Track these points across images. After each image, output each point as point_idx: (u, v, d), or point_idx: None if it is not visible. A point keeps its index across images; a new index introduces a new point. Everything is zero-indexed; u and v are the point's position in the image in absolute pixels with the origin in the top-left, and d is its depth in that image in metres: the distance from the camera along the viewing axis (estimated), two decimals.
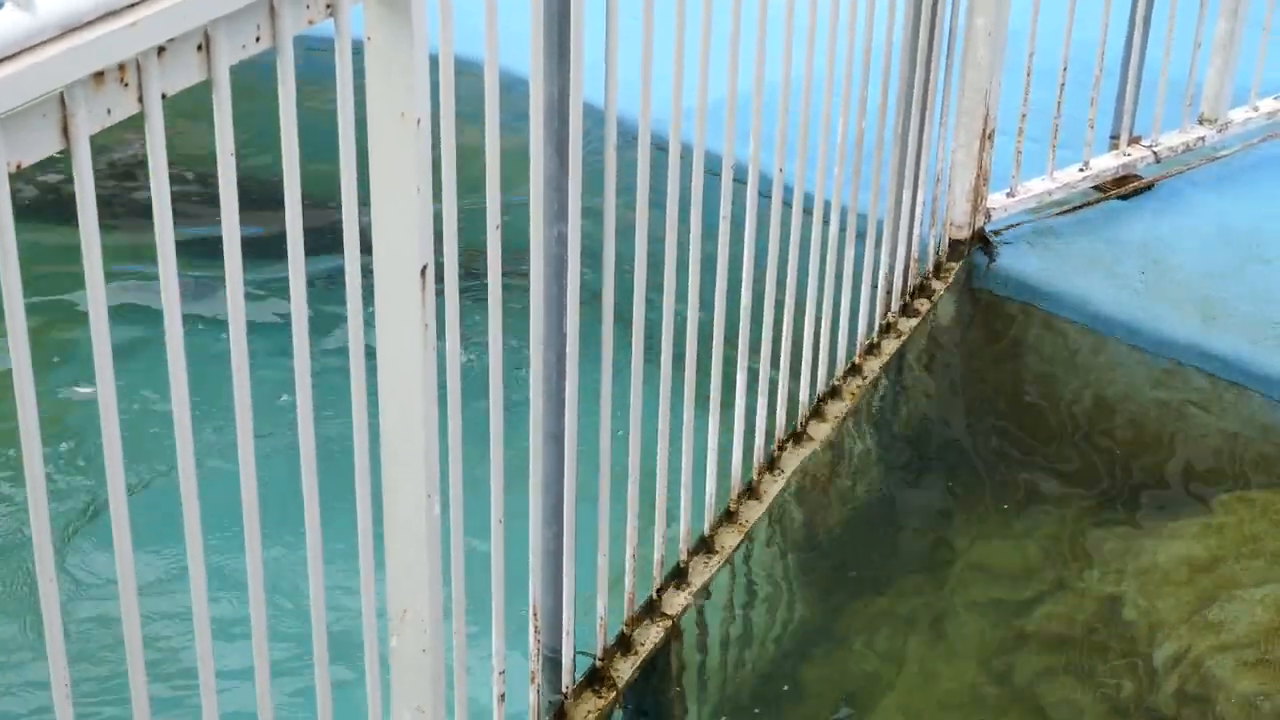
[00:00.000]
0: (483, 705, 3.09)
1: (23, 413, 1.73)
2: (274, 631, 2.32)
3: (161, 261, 1.84)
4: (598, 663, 3.23)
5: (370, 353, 2.31)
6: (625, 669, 3.27)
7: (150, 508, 3.51)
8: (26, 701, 3.61)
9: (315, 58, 2.79)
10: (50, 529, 1.79)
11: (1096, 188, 4.96)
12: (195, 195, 4.92)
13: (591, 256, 2.88)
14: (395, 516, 2.52)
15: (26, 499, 1.75)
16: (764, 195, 3.56)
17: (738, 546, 3.65)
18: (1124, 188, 4.98)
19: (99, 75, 1.68)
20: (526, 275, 2.73)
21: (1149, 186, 5.01)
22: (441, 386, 2.45)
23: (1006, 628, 3.67)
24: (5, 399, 1.76)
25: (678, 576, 3.51)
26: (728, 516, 3.69)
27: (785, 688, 3.53)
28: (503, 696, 2.90)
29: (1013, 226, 4.77)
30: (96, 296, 1.76)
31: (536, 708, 3.02)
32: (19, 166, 1.62)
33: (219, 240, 1.92)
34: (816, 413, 4.05)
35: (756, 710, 3.47)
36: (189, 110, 1.75)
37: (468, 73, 2.41)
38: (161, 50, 1.76)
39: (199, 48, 1.81)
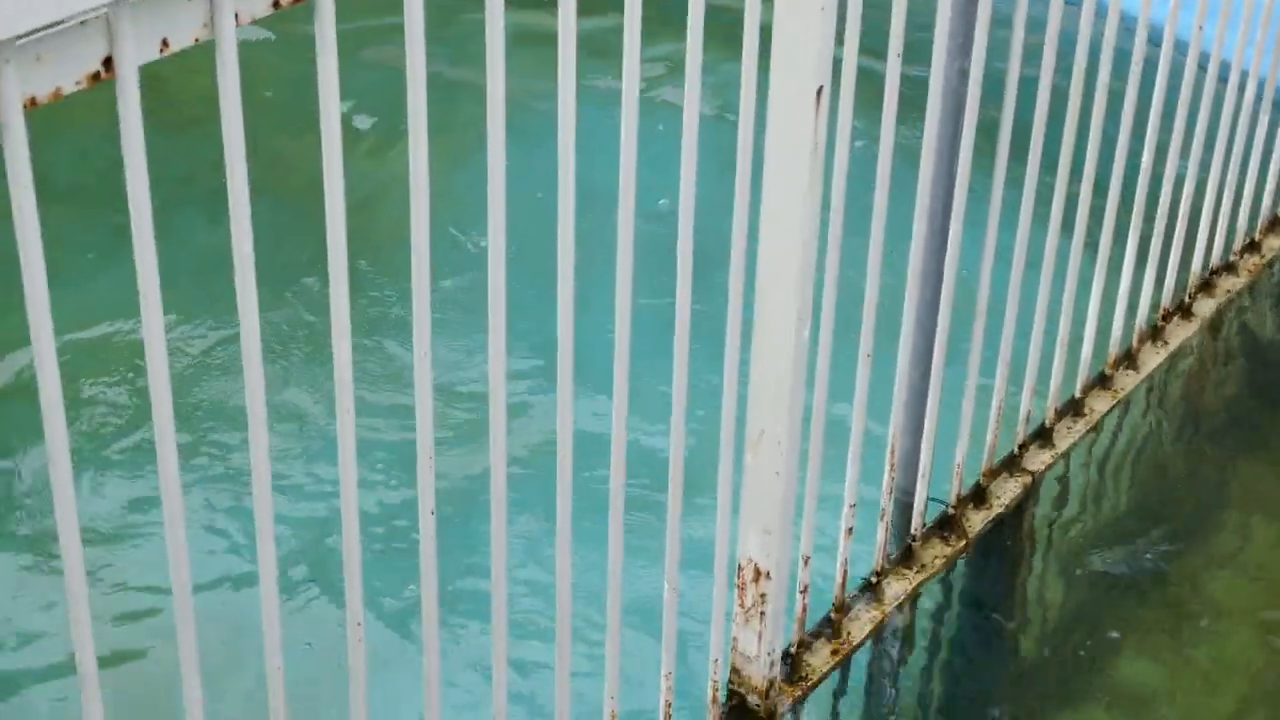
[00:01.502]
0: (829, 536, 3.12)
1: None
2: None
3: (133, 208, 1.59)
4: (950, 510, 3.21)
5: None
6: (977, 520, 3.25)
7: None
8: None
9: None
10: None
11: None
12: None
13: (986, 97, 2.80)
14: (764, 337, 2.55)
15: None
16: (1179, 53, 3.41)
17: (1108, 412, 3.56)
18: None
19: None
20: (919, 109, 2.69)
21: None
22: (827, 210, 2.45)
23: None
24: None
25: (1041, 436, 3.45)
26: (1101, 381, 3.59)
27: (1148, 558, 3.45)
28: (850, 530, 2.91)
29: None
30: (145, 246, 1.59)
31: (883, 545, 3.03)
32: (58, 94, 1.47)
33: None
34: (1206, 286, 3.90)
35: (1110, 584, 3.41)
36: None
37: None
38: None
39: None
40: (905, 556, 3.13)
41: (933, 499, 3.14)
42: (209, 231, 4.24)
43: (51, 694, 3.19)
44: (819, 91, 2.30)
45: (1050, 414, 3.46)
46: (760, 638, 2.78)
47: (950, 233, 2.89)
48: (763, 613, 2.76)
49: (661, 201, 2.28)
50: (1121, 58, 3.06)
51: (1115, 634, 3.29)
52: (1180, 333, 3.80)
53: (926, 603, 3.29)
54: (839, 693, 3.05)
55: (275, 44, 5.00)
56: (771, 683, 2.82)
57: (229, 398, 3.89)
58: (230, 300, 1.67)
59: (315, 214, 1.75)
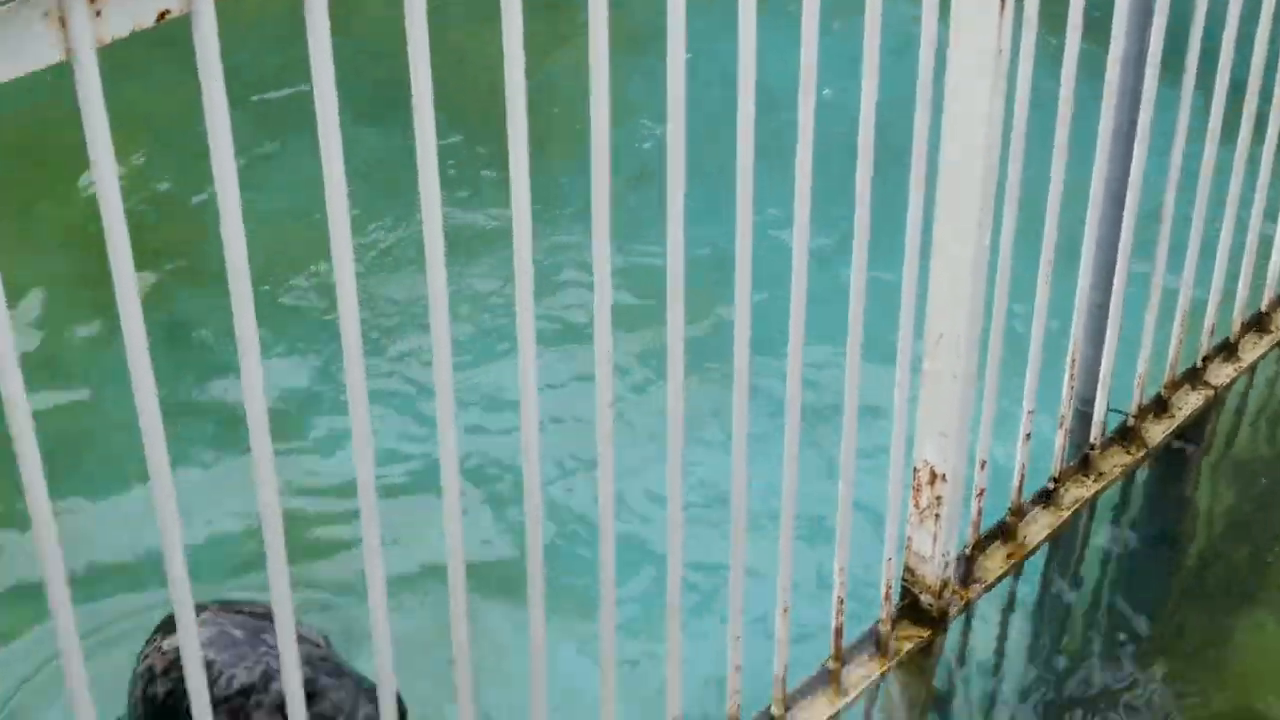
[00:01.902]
0: (1007, 441, 3.14)
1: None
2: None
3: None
4: (1130, 420, 3.22)
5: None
6: (1157, 431, 3.25)
7: None
8: None
9: None
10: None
11: None
12: None
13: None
14: (945, 241, 2.58)
15: None
16: None
17: None
18: None
19: None
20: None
21: None
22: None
23: None
24: None
25: (1226, 350, 3.44)
26: None
27: None
28: (1028, 436, 2.94)
29: None
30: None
31: (1062, 452, 3.05)
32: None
33: None
34: None
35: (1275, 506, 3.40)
36: None
37: None
38: None
39: None
40: (1083, 465, 3.15)
41: (1113, 409, 3.15)
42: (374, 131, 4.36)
43: None
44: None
45: (1236, 327, 3.44)
46: (935, 539, 2.83)
47: (1135, 147, 2.89)
48: (938, 515, 2.80)
49: (825, 92, 2.30)
50: None
51: None
52: None
53: (1103, 511, 3.31)
54: (1011, 596, 3.09)
55: None
56: (945, 583, 2.87)
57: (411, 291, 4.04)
58: (408, 197, 1.74)
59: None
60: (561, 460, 3.63)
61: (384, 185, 4.23)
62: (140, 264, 1.63)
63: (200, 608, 2.37)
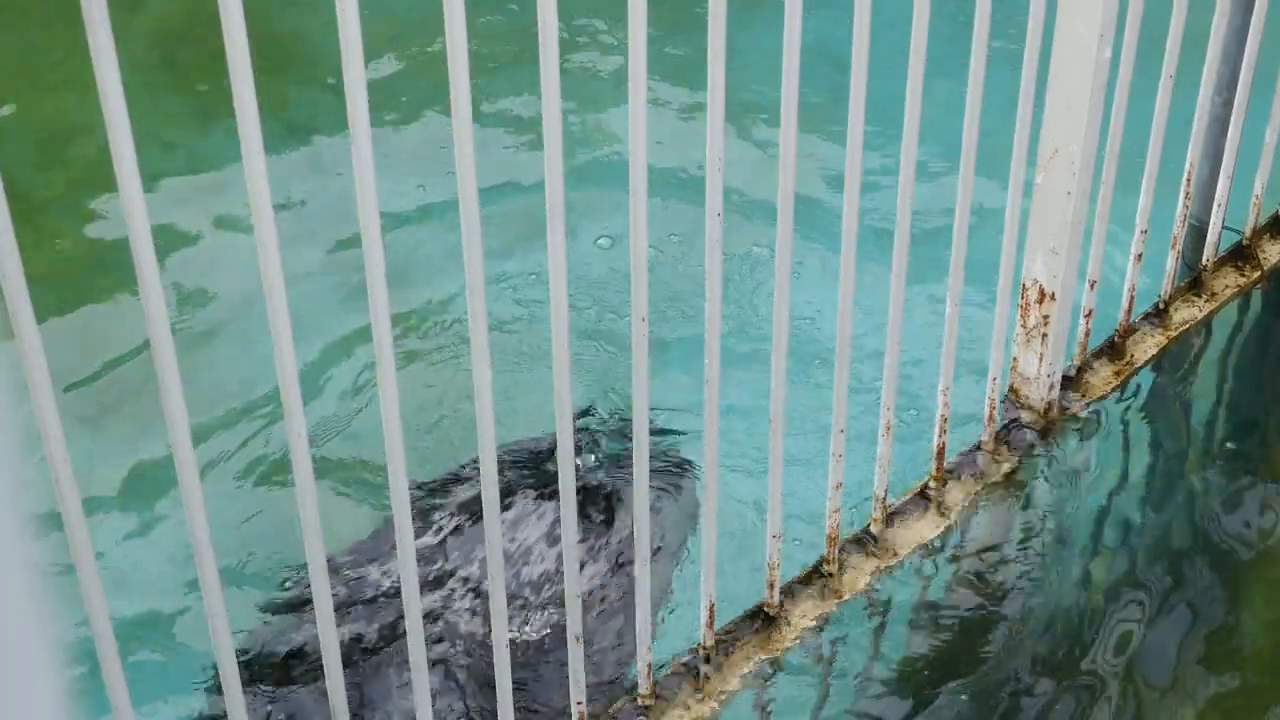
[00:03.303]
0: (1118, 261, 3.08)
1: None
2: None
3: None
4: (1245, 240, 3.14)
5: None
6: (1273, 252, 3.17)
7: None
8: None
9: None
10: None
11: None
12: None
13: None
14: (1064, 54, 2.50)
15: None
16: None
17: None
18: None
19: None
20: None
21: None
22: None
23: None
24: None
25: None
26: None
27: None
28: (1139, 256, 2.88)
29: None
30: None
31: (1174, 273, 2.99)
32: None
33: None
34: None
35: None
36: None
37: None
38: None
39: None
40: (1194, 285, 3.08)
41: (1228, 228, 3.07)
42: None
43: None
44: None
45: None
46: (1041, 359, 2.79)
47: None
48: (1045, 334, 2.76)
49: None
50: None
51: None
52: None
53: (1217, 333, 3.24)
54: (1119, 419, 3.04)
55: None
56: (1050, 404, 2.83)
57: None
58: None
59: None
60: None
61: None
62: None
63: None
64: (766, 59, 2.50)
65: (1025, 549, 2.90)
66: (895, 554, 2.65)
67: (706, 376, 2.17)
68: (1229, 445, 3.17)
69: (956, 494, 2.74)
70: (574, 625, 2.19)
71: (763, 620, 2.51)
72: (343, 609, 2.74)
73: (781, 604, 2.52)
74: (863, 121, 2.17)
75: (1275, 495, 3.03)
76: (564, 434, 2.02)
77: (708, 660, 2.45)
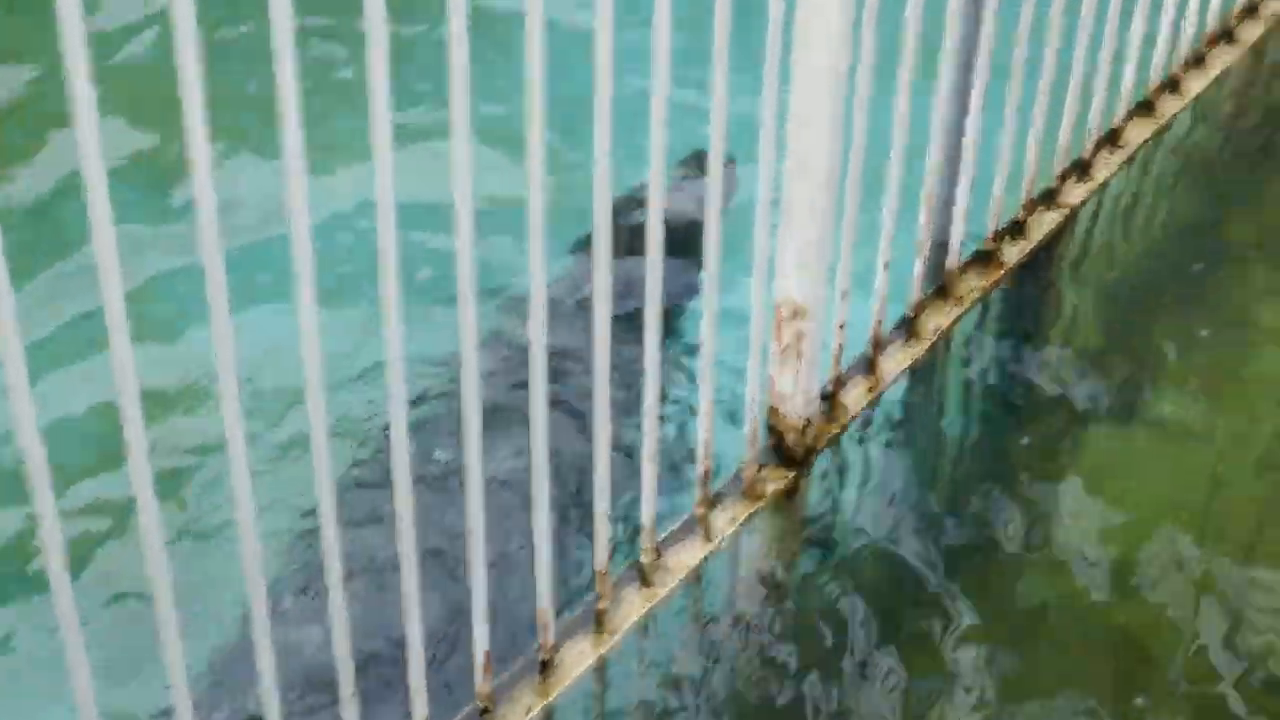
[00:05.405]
0: (867, 277, 3.07)
1: None
2: None
3: None
4: (987, 244, 3.16)
5: None
6: (1013, 253, 3.21)
7: None
8: None
9: None
10: None
11: None
12: None
13: None
14: (803, 67, 2.48)
15: None
16: None
17: (1146, 143, 3.49)
18: None
19: None
20: None
21: None
22: None
23: None
24: None
25: (1080, 169, 3.39)
26: (1143, 109, 3.51)
27: (1170, 293, 3.41)
28: (887, 264, 2.87)
29: None
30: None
31: (919, 280, 2.99)
32: None
33: None
34: (1251, 11, 3.80)
35: (1132, 313, 3.38)
36: None
37: None
38: None
39: None
40: (941, 291, 3.09)
41: (973, 236, 3.10)
42: None
43: None
44: None
45: (1088, 147, 3.39)
46: (797, 376, 2.76)
47: None
48: (800, 351, 2.72)
49: None
50: None
51: (1165, 351, 3.27)
52: (1220, 59, 3.71)
53: (962, 336, 3.25)
54: (877, 430, 3.03)
55: None
56: (808, 421, 2.80)
57: None
58: None
59: None
60: None
61: None
62: None
63: None
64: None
65: (793, 568, 2.88)
66: (666, 583, 2.59)
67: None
68: (981, 447, 3.19)
69: (724, 518, 2.69)
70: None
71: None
72: None
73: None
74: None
75: (1031, 493, 3.06)
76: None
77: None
